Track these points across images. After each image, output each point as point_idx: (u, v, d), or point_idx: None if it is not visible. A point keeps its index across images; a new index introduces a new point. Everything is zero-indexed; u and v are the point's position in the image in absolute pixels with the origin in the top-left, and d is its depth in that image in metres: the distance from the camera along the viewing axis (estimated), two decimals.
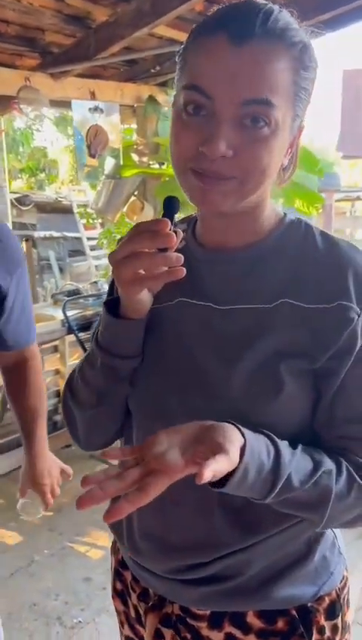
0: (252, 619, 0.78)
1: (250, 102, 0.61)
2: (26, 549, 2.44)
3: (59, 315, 3.22)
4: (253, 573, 0.76)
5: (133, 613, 0.90)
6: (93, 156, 3.68)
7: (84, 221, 7.06)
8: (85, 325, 3.14)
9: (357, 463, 0.71)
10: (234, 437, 0.61)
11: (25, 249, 5.61)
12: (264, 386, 0.69)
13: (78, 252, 7.25)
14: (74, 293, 3.56)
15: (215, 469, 0.55)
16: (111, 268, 0.66)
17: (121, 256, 0.63)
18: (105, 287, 2.83)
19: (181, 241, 0.81)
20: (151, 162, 4.07)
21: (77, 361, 0.91)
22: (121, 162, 3.97)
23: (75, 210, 7.15)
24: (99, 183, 4.58)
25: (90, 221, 7.06)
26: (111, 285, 0.83)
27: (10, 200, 5.14)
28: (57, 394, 3.24)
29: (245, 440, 0.62)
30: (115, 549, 0.94)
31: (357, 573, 2.22)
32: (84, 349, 3.05)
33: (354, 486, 0.70)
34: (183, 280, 0.62)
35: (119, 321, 0.72)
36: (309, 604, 0.78)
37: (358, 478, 0.70)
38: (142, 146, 4.07)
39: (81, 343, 3.07)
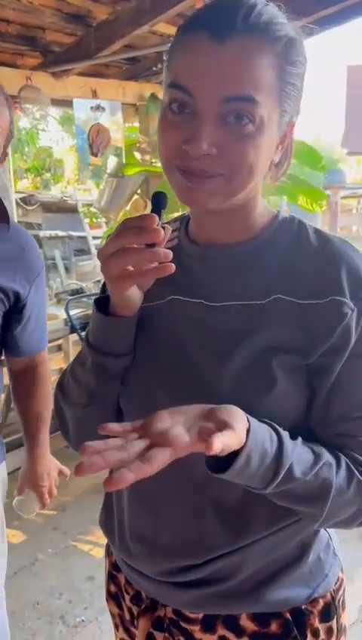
0: (245, 622, 0.77)
1: (231, 99, 0.60)
2: (30, 547, 2.45)
3: (62, 314, 3.23)
4: (245, 575, 0.75)
5: (127, 616, 0.89)
6: (95, 155, 3.68)
7: (88, 220, 7.08)
8: (88, 324, 3.14)
9: (354, 458, 0.71)
10: (239, 417, 0.59)
11: None
12: (256, 382, 0.68)
13: (83, 251, 7.26)
14: (77, 292, 3.57)
15: (223, 441, 0.54)
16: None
17: (109, 252, 0.62)
18: None
19: (173, 239, 0.80)
20: (153, 160, 4.06)
21: None
22: (124, 161, 3.96)
23: (80, 209, 7.17)
24: (102, 182, 4.57)
25: (95, 220, 7.08)
26: (104, 284, 0.82)
27: (16, 200, 5.16)
28: None
29: (249, 424, 0.61)
30: (108, 552, 0.93)
31: (358, 573, 2.20)
32: None
33: (354, 480, 0.69)
34: (175, 277, 0.61)
35: (109, 318, 0.72)
36: (303, 607, 0.77)
37: (357, 473, 0.70)
38: (144, 144, 4.07)
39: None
